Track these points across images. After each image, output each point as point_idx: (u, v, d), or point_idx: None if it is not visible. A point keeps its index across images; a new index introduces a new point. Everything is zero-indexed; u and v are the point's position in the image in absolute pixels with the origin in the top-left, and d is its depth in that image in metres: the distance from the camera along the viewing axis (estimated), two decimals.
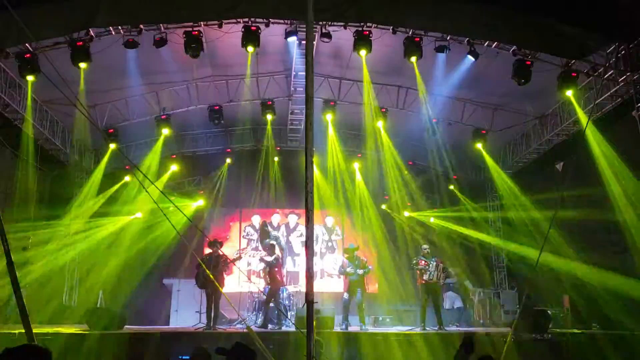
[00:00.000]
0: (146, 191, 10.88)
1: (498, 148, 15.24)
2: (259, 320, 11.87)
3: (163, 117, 13.41)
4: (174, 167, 15.42)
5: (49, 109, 12.35)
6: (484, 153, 14.35)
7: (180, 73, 12.37)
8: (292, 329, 9.84)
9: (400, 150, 16.02)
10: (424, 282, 10.92)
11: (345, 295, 11.03)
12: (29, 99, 11.10)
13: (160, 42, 10.26)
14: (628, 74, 9.88)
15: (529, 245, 13.39)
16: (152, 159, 14.60)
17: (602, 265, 10.93)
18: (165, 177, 15.22)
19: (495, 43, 10.43)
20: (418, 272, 11.07)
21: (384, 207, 16.34)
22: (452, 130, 14.08)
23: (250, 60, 11.81)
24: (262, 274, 11.02)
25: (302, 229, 15.95)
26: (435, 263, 10.96)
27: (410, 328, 11.17)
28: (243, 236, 16.15)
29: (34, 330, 3.60)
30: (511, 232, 15.73)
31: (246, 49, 10.42)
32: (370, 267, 11.47)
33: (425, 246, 11.33)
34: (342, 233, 16.39)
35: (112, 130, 13.42)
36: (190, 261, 12.87)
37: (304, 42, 10.36)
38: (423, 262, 11.01)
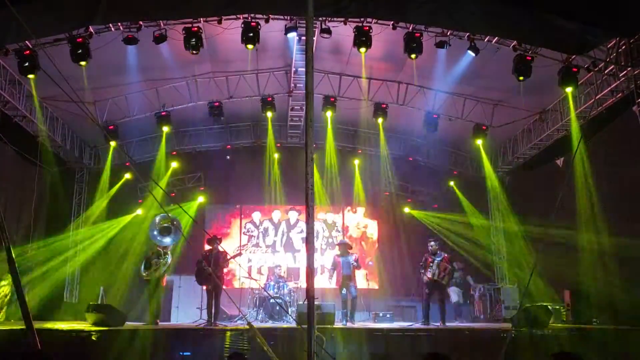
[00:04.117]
0: (150, 193, 10.92)
1: (498, 144, 15.25)
2: (259, 317, 11.91)
3: (163, 113, 13.41)
4: (174, 164, 15.44)
5: (48, 105, 12.35)
6: (482, 153, 14.41)
7: (180, 69, 12.36)
8: (293, 324, 9.86)
9: (400, 146, 16.07)
10: (428, 279, 10.90)
11: (344, 291, 11.04)
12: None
13: (160, 39, 10.25)
14: (629, 69, 9.86)
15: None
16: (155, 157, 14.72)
17: None
18: (167, 175, 15.24)
19: (496, 38, 10.42)
20: (422, 269, 11.03)
21: (383, 203, 16.34)
22: (452, 126, 14.07)
23: (250, 56, 11.81)
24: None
25: (302, 225, 15.98)
26: (438, 261, 10.91)
27: (410, 324, 11.18)
28: (243, 233, 16.17)
29: (35, 327, 3.61)
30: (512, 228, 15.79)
31: (246, 45, 10.41)
32: (356, 261, 11.38)
33: (432, 242, 11.27)
34: (342, 230, 16.41)
35: (112, 127, 13.40)
36: (191, 258, 12.90)
37: (303, 37, 10.34)
38: (430, 259, 10.98)
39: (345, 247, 11.50)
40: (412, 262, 13.14)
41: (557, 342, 8.68)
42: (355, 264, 11.18)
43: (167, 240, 10.78)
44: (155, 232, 10.80)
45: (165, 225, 10.81)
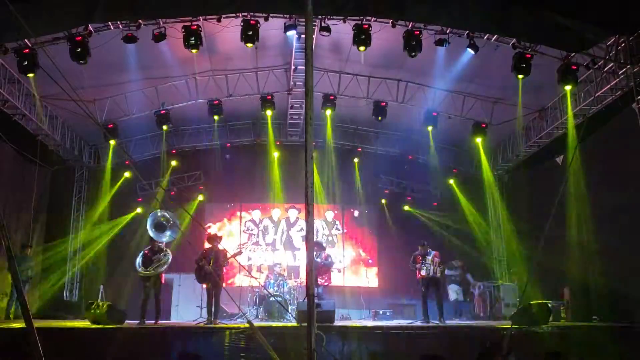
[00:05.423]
0: (151, 193, 10.89)
1: (498, 141, 15.26)
2: (259, 315, 11.93)
3: (162, 112, 13.40)
4: (174, 163, 15.44)
5: (48, 104, 12.34)
6: (481, 151, 14.45)
7: (179, 68, 12.35)
8: (293, 322, 9.87)
9: (400, 144, 16.07)
10: (422, 276, 10.92)
11: None
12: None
13: (159, 37, 10.23)
14: (628, 66, 9.85)
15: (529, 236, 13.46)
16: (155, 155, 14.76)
17: None
18: (168, 174, 15.25)
19: (495, 36, 10.42)
20: (417, 268, 11.06)
21: (383, 201, 16.35)
22: (452, 124, 14.08)
23: (249, 54, 11.80)
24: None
25: (302, 223, 15.98)
26: (432, 257, 10.93)
27: (410, 321, 11.19)
28: (243, 231, 16.19)
29: (35, 325, 3.61)
30: (512, 226, 15.81)
31: (245, 44, 10.40)
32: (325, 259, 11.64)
33: (424, 242, 11.29)
34: (342, 227, 16.42)
35: (111, 125, 13.40)
36: (191, 256, 12.89)
37: (303, 35, 10.34)
38: (420, 258, 11.00)
39: (317, 247, 11.54)
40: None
41: (557, 340, 8.70)
42: (323, 262, 11.31)
43: (164, 237, 10.73)
44: (150, 227, 10.75)
45: (161, 221, 10.77)
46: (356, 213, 16.53)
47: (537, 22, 8.63)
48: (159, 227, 10.75)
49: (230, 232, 16.01)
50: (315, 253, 11.51)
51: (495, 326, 10.01)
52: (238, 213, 16.32)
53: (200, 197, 15.71)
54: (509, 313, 12.44)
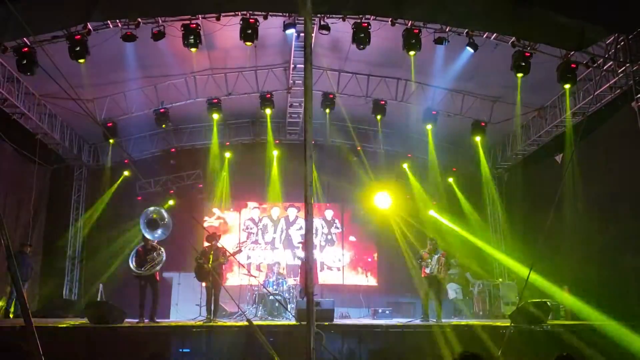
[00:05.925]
0: (151, 192, 10.84)
1: (497, 140, 15.25)
2: (259, 313, 11.93)
3: (162, 110, 13.39)
4: (173, 161, 15.43)
5: (47, 103, 12.33)
6: (480, 150, 14.48)
7: (179, 66, 12.34)
8: (293, 321, 9.88)
9: (399, 142, 16.06)
10: (426, 274, 10.95)
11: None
12: None
13: (158, 35, 10.22)
14: (627, 65, 9.85)
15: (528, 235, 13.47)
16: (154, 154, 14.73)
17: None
18: (167, 172, 15.25)
19: (494, 34, 10.41)
20: (422, 265, 11.08)
21: (383, 200, 16.31)
22: (451, 123, 14.08)
23: (248, 53, 11.79)
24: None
25: (301, 221, 15.97)
26: (437, 256, 10.95)
27: (409, 320, 11.21)
28: (242, 229, 16.18)
29: (35, 325, 3.60)
30: (511, 225, 15.81)
31: (245, 42, 10.39)
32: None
33: (431, 240, 11.30)
34: (342, 226, 16.40)
35: (110, 124, 13.39)
36: (190, 255, 12.89)
37: (302, 34, 10.33)
38: (426, 255, 11.03)
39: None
40: (411, 259, 13.17)
41: (556, 338, 8.71)
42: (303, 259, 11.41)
43: (156, 234, 10.64)
44: (143, 224, 10.65)
45: (153, 218, 10.70)
46: (355, 212, 16.51)
47: (537, 21, 8.64)
48: (151, 224, 10.67)
49: (229, 231, 16.00)
50: (298, 251, 11.60)
51: (495, 324, 10.02)
52: (237, 211, 16.31)
53: (200, 196, 15.69)
54: (508, 311, 12.45)
